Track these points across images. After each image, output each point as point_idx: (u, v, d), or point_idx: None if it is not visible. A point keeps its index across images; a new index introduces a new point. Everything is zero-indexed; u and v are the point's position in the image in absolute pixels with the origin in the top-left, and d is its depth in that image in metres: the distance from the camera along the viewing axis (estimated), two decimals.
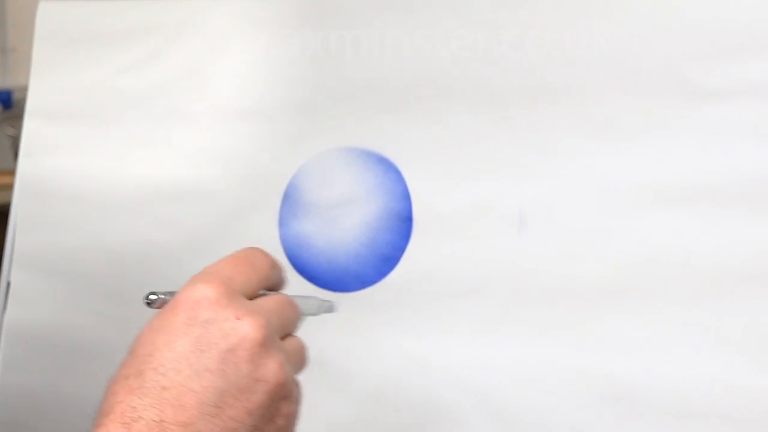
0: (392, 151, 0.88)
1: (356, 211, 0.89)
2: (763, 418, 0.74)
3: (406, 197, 0.87)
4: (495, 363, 0.83)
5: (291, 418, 0.63)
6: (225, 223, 0.95)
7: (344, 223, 0.89)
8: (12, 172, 1.09)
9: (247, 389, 0.60)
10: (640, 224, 0.78)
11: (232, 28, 0.97)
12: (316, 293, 0.90)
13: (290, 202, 0.92)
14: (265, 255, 0.67)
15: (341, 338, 0.89)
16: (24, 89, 1.10)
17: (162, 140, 0.99)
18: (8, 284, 1.06)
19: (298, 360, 0.66)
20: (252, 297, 0.64)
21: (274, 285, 0.67)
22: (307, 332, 0.90)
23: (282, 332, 0.65)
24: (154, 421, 0.57)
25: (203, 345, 0.60)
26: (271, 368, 0.61)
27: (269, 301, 0.65)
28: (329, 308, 0.73)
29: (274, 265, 0.67)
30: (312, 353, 0.89)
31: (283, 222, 0.92)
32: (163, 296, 0.64)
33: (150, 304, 0.64)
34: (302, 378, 0.90)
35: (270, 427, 0.61)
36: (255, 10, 0.96)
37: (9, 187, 1.08)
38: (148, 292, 0.65)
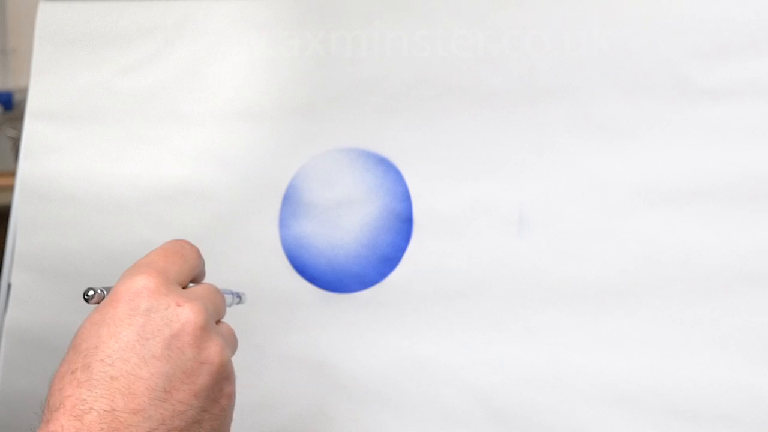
0: (392, 152, 0.88)
1: (356, 211, 0.89)
2: (764, 417, 0.74)
3: (407, 198, 0.87)
4: (495, 363, 0.83)
5: (232, 399, 0.65)
6: (225, 223, 0.95)
7: (344, 223, 0.89)
8: (12, 174, 1.09)
9: (192, 372, 0.62)
10: (640, 224, 0.78)
11: (231, 29, 0.97)
12: (317, 294, 0.90)
13: (290, 202, 0.92)
14: (192, 246, 0.70)
15: (342, 339, 0.89)
16: (24, 90, 1.10)
17: (162, 141, 0.99)
18: (9, 285, 1.06)
19: (233, 343, 0.69)
20: (184, 286, 0.67)
21: (200, 275, 0.71)
22: (309, 333, 0.90)
23: (216, 318, 0.67)
24: (105, 410, 0.59)
25: (148, 333, 0.62)
26: (214, 350, 0.64)
27: (200, 289, 0.68)
28: (241, 299, 0.76)
29: (199, 256, 0.70)
30: (313, 353, 0.90)
31: (283, 223, 0.92)
32: (100, 291, 0.66)
33: (88, 299, 0.66)
34: (303, 378, 0.90)
35: (215, 407, 0.63)
36: (254, 10, 0.96)
37: (10, 189, 1.08)
38: (86, 288, 0.66)
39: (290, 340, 0.91)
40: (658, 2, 0.78)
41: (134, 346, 0.61)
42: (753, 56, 0.75)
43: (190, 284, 0.69)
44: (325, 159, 0.91)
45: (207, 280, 0.72)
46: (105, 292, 0.65)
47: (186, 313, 0.63)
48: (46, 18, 1.07)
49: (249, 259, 0.93)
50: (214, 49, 0.97)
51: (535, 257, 0.81)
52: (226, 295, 0.72)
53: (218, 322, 0.68)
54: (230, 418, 0.65)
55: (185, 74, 0.98)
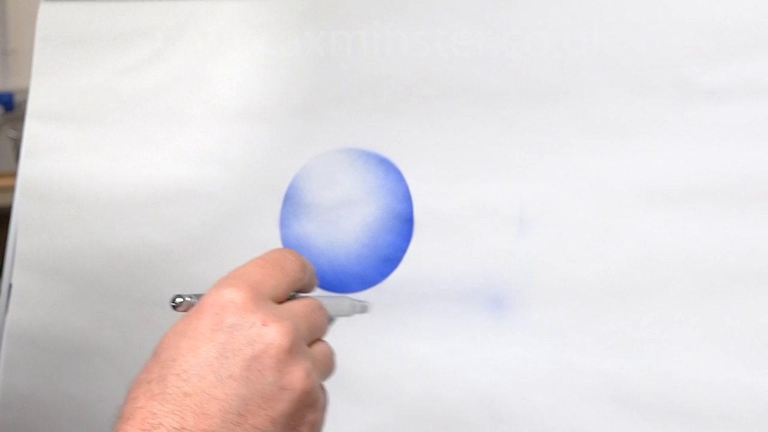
0: (393, 152, 0.88)
1: (357, 212, 0.89)
2: (764, 417, 0.74)
3: (407, 198, 0.87)
4: (496, 363, 0.83)
5: (315, 427, 0.62)
6: (226, 224, 0.95)
7: (345, 224, 0.89)
8: (13, 174, 1.09)
9: (271, 397, 0.59)
10: (640, 224, 0.78)
11: (232, 29, 0.97)
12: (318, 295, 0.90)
13: (291, 203, 0.92)
14: (296, 257, 0.65)
15: (342, 339, 0.89)
16: (25, 91, 1.10)
17: (163, 142, 0.99)
18: (10, 286, 1.06)
19: (326, 366, 0.65)
20: (281, 301, 0.63)
21: (305, 287, 0.66)
22: None
23: (310, 338, 0.63)
24: (174, 428, 0.56)
25: (228, 351, 0.58)
26: (297, 376, 0.60)
27: (298, 305, 0.64)
28: (362, 308, 0.71)
29: (305, 267, 0.65)
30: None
31: (284, 223, 0.92)
32: (189, 299, 0.62)
33: (176, 307, 0.63)
34: None
35: None
36: (255, 11, 0.96)
37: (10, 189, 1.08)
38: (174, 295, 0.63)
39: None
40: (658, 2, 0.78)
41: (212, 363, 0.58)
42: (753, 56, 0.75)
43: (297, 294, 0.65)
44: (326, 159, 0.91)
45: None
46: (194, 300, 0.62)
47: (271, 334, 0.59)
48: (47, 18, 1.07)
49: (250, 259, 0.93)
50: (215, 50, 0.97)
51: (535, 257, 0.81)
52: (341, 304, 0.68)
53: (315, 341, 0.64)
54: None
55: (186, 75, 0.98)
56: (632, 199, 0.78)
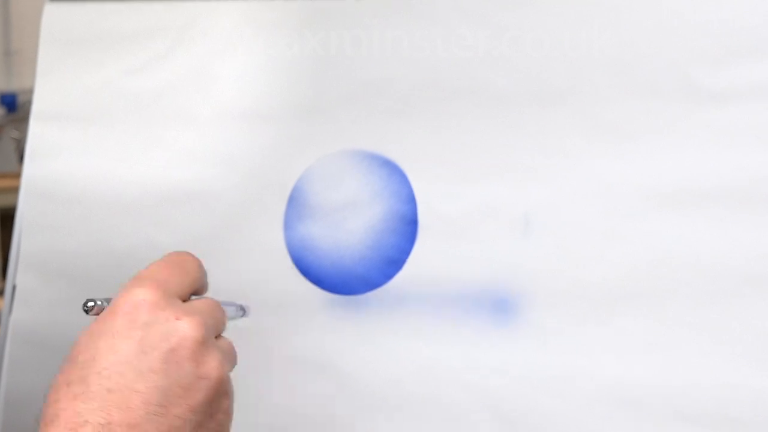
0: (397, 154, 0.88)
1: (361, 213, 0.89)
2: None
3: (412, 200, 0.87)
4: (501, 366, 0.83)
5: (229, 414, 0.65)
6: (230, 225, 0.95)
7: (349, 225, 0.89)
8: (17, 175, 1.09)
9: (190, 387, 0.62)
10: (646, 227, 0.78)
11: (236, 30, 0.97)
12: (321, 296, 0.90)
13: (295, 204, 0.92)
14: (194, 258, 0.70)
15: (346, 341, 0.89)
16: (29, 92, 1.10)
17: (167, 142, 0.99)
18: (14, 287, 1.06)
19: (232, 358, 0.69)
20: (185, 299, 0.67)
21: (201, 288, 0.70)
22: (314, 335, 0.90)
23: (215, 332, 0.67)
24: (100, 424, 0.58)
25: (146, 346, 0.61)
26: (212, 365, 0.63)
27: (201, 303, 0.68)
28: (244, 312, 0.77)
29: (201, 268, 0.70)
30: (317, 355, 0.90)
31: (288, 225, 0.92)
32: (100, 302, 0.65)
33: (88, 311, 0.66)
34: (307, 380, 0.90)
35: (211, 422, 0.63)
36: (259, 11, 0.96)
37: (14, 190, 1.09)
38: (85, 299, 0.66)
39: (294, 342, 0.91)
40: (665, 4, 0.78)
41: (132, 359, 0.61)
42: (760, 59, 0.75)
43: (193, 297, 0.68)
44: (330, 161, 0.91)
45: (211, 286, 0.72)
46: (105, 304, 0.65)
47: (185, 327, 0.63)
48: (51, 19, 1.07)
49: (254, 261, 0.93)
50: (220, 50, 0.97)
51: (540, 260, 0.81)
52: (228, 308, 0.72)
53: (218, 336, 0.68)
54: None
55: (191, 75, 0.98)
56: (638, 202, 0.78)
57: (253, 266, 0.93)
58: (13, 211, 1.07)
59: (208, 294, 0.72)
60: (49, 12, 1.07)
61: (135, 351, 0.61)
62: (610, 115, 0.80)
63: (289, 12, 0.94)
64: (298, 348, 0.91)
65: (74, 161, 1.04)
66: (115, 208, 1.01)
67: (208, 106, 0.97)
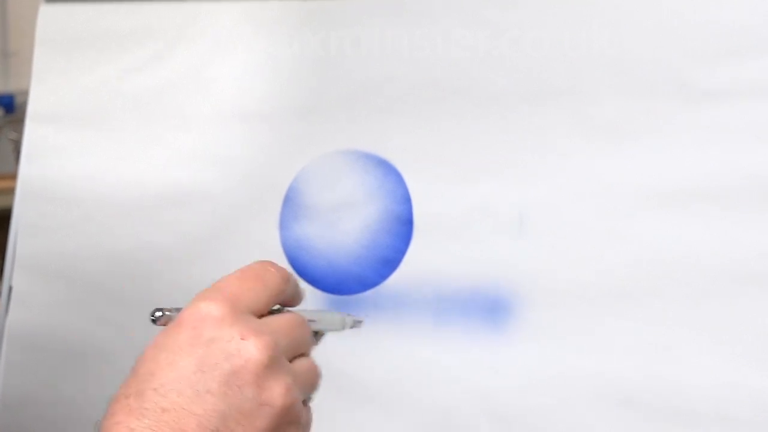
0: (392, 154, 0.88)
1: (357, 213, 0.89)
2: (766, 418, 0.74)
3: (407, 200, 0.87)
4: (496, 365, 0.83)
5: None
6: (227, 225, 0.95)
7: (345, 225, 0.89)
8: (14, 176, 1.09)
9: (250, 414, 0.57)
10: (641, 226, 0.78)
11: (233, 30, 0.97)
12: (317, 296, 0.90)
13: (291, 204, 0.92)
14: (278, 269, 0.64)
15: (341, 341, 0.89)
16: (25, 93, 1.10)
17: (164, 143, 0.99)
18: (10, 288, 1.06)
19: (308, 382, 0.63)
20: (261, 314, 0.61)
21: (287, 300, 0.64)
22: None
23: (292, 353, 0.62)
24: None
25: (206, 366, 0.57)
26: (277, 392, 0.58)
27: (279, 320, 0.62)
28: (354, 324, 0.70)
29: (287, 280, 0.64)
30: (313, 355, 0.90)
31: (283, 225, 0.92)
32: (168, 313, 0.61)
33: (155, 321, 0.62)
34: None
35: None
36: (256, 11, 0.96)
37: (11, 191, 1.08)
38: (154, 308, 0.62)
39: None
40: (658, 4, 0.78)
41: (190, 377, 0.57)
42: (754, 58, 0.75)
43: (281, 308, 0.63)
44: (326, 161, 0.91)
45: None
46: (174, 314, 0.61)
47: (250, 348, 0.58)
48: (47, 20, 1.07)
49: (249, 261, 0.93)
50: (216, 51, 0.97)
51: (535, 259, 0.81)
52: (335, 319, 0.67)
53: (298, 356, 0.63)
54: None
55: (187, 76, 0.98)
56: (633, 200, 0.78)
57: None
58: (10, 212, 1.07)
59: (304, 304, 0.67)
60: (45, 13, 1.07)
61: (194, 369, 0.57)
62: (608, 114, 0.80)
63: (289, 11, 0.94)
64: None
65: (71, 162, 1.04)
66: (113, 208, 1.01)
67: (206, 105, 0.97)
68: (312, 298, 0.90)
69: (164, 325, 0.60)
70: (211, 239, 0.95)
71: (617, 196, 0.79)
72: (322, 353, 0.89)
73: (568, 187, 0.81)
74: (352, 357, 0.88)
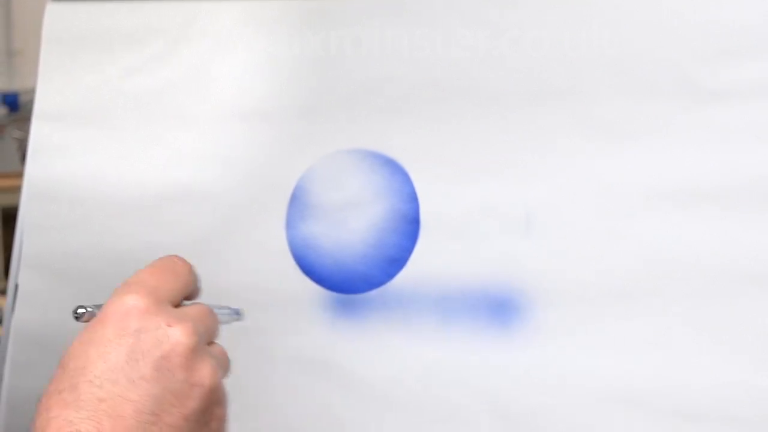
0: (399, 153, 0.88)
1: (363, 212, 0.89)
2: None
3: (413, 199, 0.87)
4: (502, 365, 0.83)
5: (222, 422, 0.64)
6: (232, 225, 0.95)
7: (351, 224, 0.89)
8: (19, 175, 1.09)
9: (182, 395, 0.61)
10: (646, 225, 0.78)
11: (234, 30, 0.97)
12: (324, 295, 0.90)
13: (297, 204, 0.92)
14: (185, 262, 0.68)
15: (347, 340, 0.89)
16: (30, 92, 1.10)
17: (169, 142, 0.99)
18: (16, 286, 1.06)
19: (225, 365, 0.67)
20: (176, 305, 0.66)
21: (192, 292, 0.69)
22: (316, 334, 0.90)
23: (207, 339, 0.66)
24: None
25: (137, 354, 0.61)
26: (205, 373, 0.62)
27: (193, 309, 0.66)
28: (239, 317, 0.74)
29: (192, 272, 0.69)
30: (319, 355, 0.90)
31: (290, 224, 0.92)
32: (90, 309, 0.65)
33: (78, 317, 0.65)
34: (310, 379, 0.90)
35: (205, 431, 0.62)
36: (256, 11, 0.96)
37: (16, 190, 1.08)
38: (76, 306, 0.65)
39: (297, 341, 0.91)
40: (664, 4, 0.78)
41: (123, 367, 0.60)
42: (758, 58, 0.75)
43: (185, 302, 0.67)
44: (332, 160, 0.91)
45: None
46: (96, 310, 0.64)
47: (176, 334, 0.62)
48: (53, 19, 1.07)
49: (256, 261, 0.93)
50: (217, 51, 0.97)
51: (541, 259, 0.81)
52: (222, 313, 0.71)
53: (211, 343, 0.67)
54: None
55: (192, 75, 0.98)
56: (638, 201, 0.78)
57: (255, 265, 0.93)
58: (16, 210, 1.07)
59: (201, 299, 0.71)
60: (51, 11, 1.07)
61: (126, 359, 0.60)
62: (610, 114, 0.80)
63: (290, 11, 0.94)
64: (299, 347, 0.91)
65: (76, 161, 1.04)
66: (117, 207, 1.01)
67: (209, 105, 0.97)
68: (318, 297, 0.90)
69: (87, 321, 0.64)
70: (217, 239, 0.95)
71: (621, 195, 0.79)
72: (326, 352, 0.89)
73: (572, 187, 0.81)
74: (356, 355, 0.88)
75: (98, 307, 0.64)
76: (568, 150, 0.81)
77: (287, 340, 0.91)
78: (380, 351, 0.87)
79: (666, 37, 0.78)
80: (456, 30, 0.86)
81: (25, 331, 1.06)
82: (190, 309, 0.66)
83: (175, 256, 0.69)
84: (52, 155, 1.05)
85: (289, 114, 0.93)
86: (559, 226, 0.81)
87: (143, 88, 1.01)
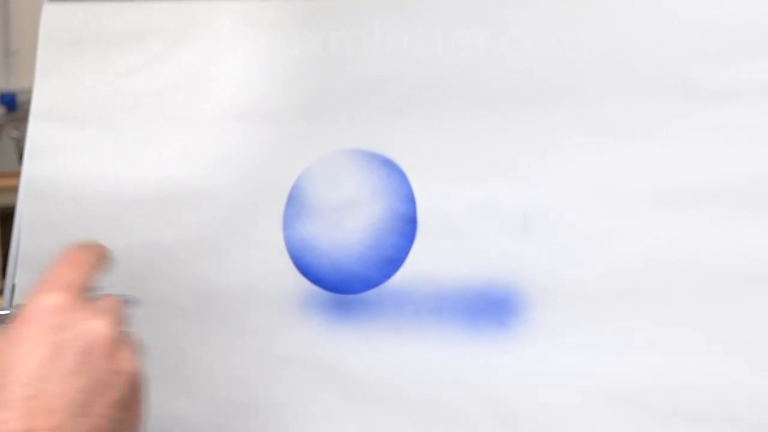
0: (397, 153, 0.88)
1: (360, 213, 0.89)
2: None
3: (411, 199, 0.87)
4: (500, 365, 0.83)
5: (142, 405, 0.66)
6: (230, 225, 0.95)
7: (348, 225, 0.89)
8: (17, 175, 1.09)
9: (108, 384, 0.63)
10: (645, 226, 0.78)
11: (235, 30, 0.97)
12: (320, 295, 0.90)
13: (295, 204, 0.92)
14: (87, 248, 0.71)
15: (344, 340, 0.89)
16: (28, 91, 1.10)
17: (167, 142, 0.99)
18: (13, 286, 1.06)
19: (140, 351, 0.69)
20: (90, 291, 0.68)
21: (102, 271, 0.72)
22: (312, 334, 0.90)
23: (122, 328, 0.68)
24: (24, 430, 0.59)
25: (61, 349, 0.63)
26: (127, 361, 0.65)
27: (107, 301, 0.69)
28: (135, 304, 0.76)
29: (95, 252, 0.71)
30: (316, 355, 0.90)
31: (287, 224, 0.92)
32: (7, 311, 0.67)
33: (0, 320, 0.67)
34: (306, 380, 0.90)
35: (130, 415, 0.65)
36: (256, 11, 0.96)
37: (14, 190, 1.08)
38: None
39: (293, 341, 0.91)
40: (664, 4, 0.78)
41: (50, 362, 0.62)
42: (759, 57, 0.75)
43: (97, 293, 0.69)
44: (330, 160, 0.91)
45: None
46: (14, 311, 0.66)
47: (97, 327, 0.64)
48: (50, 18, 1.07)
49: (253, 260, 0.93)
50: (219, 50, 0.97)
51: (540, 259, 0.82)
52: (126, 301, 0.73)
53: (125, 331, 0.69)
54: (143, 423, 0.66)
55: (190, 75, 0.98)
56: (637, 200, 0.79)
57: (252, 265, 0.93)
58: (13, 210, 1.07)
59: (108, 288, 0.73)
60: (48, 11, 1.07)
61: (50, 355, 0.62)
62: (610, 114, 0.80)
63: (290, 12, 0.94)
64: (296, 347, 0.91)
65: (74, 160, 1.04)
66: (115, 207, 1.01)
67: (208, 105, 0.97)
68: (315, 298, 0.90)
69: (2, 323, 0.67)
70: (214, 238, 0.95)
71: (620, 195, 0.79)
72: (325, 352, 0.89)
73: (571, 187, 0.81)
74: (355, 356, 0.88)
75: (17, 307, 0.66)
76: (567, 150, 0.81)
77: (283, 340, 0.91)
78: (377, 352, 0.87)
79: (666, 37, 0.78)
80: (456, 30, 0.86)
81: None
82: (105, 301, 0.68)
83: (77, 244, 0.71)
84: (50, 155, 1.05)
85: (288, 114, 0.93)
86: (557, 225, 0.81)
87: (142, 87, 1.01)
